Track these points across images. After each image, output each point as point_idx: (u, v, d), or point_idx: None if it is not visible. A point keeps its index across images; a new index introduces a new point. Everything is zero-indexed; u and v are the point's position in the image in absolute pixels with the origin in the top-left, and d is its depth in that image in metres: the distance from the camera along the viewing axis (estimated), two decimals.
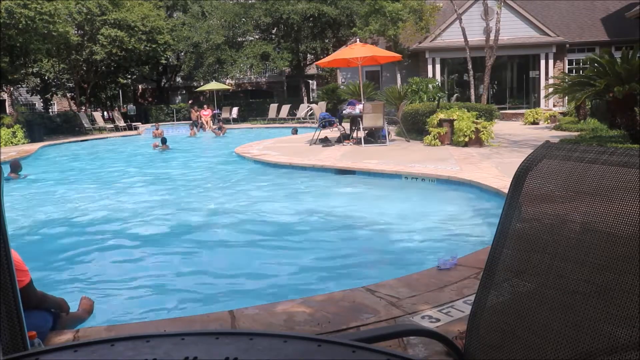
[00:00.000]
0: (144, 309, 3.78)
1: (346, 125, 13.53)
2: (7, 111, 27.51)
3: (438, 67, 23.80)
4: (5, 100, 31.81)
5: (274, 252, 5.12)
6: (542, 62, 23.07)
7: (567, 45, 23.21)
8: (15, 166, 10.01)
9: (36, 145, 16.81)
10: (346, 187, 8.10)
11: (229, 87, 30.98)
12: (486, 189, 6.61)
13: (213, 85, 27.10)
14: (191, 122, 23.68)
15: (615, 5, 23.80)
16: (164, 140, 14.99)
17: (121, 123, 24.48)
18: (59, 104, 35.00)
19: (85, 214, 7.05)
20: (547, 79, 22.03)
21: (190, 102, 24.69)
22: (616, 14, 23.35)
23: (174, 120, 29.10)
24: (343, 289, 3.39)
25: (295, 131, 17.72)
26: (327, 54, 25.85)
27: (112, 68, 27.76)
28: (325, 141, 12.79)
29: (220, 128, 20.55)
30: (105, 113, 29.62)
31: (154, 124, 24.33)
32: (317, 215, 6.45)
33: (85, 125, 22.62)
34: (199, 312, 3.35)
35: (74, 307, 3.34)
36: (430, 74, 23.08)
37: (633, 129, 9.84)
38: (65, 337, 2.83)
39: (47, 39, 18.69)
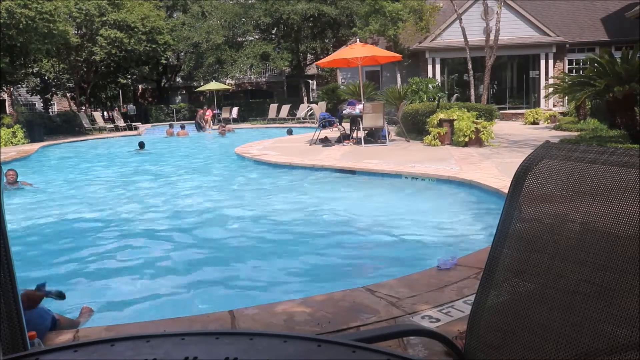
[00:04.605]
0: (144, 309, 3.79)
1: (346, 125, 13.53)
2: (7, 111, 27.51)
3: (438, 67, 23.80)
4: (5, 100, 31.81)
5: (274, 252, 5.12)
6: (542, 62, 23.07)
7: (567, 45, 23.21)
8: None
9: (36, 145, 16.80)
10: (346, 187, 8.10)
11: (229, 87, 30.98)
12: (486, 189, 6.60)
13: (213, 85, 27.11)
14: (195, 121, 23.68)
15: (615, 5, 23.80)
16: (141, 144, 14.78)
17: (121, 123, 24.47)
18: (59, 104, 34.99)
19: (84, 214, 7.05)
20: (547, 79, 22.03)
21: (204, 109, 24.78)
22: (616, 14, 23.35)
23: (174, 120, 29.10)
24: (343, 289, 3.39)
25: (290, 131, 17.61)
26: (327, 54, 25.84)
27: (112, 68, 27.78)
28: (325, 141, 12.79)
29: (221, 127, 20.56)
30: (105, 113, 29.63)
31: (171, 123, 24.37)
32: (317, 215, 6.45)
33: (85, 125, 22.61)
34: (199, 312, 3.35)
35: (74, 314, 3.37)
36: (430, 74, 23.07)
37: (633, 129, 9.84)
38: (65, 337, 2.83)
39: (47, 38, 18.68)
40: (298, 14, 26.39)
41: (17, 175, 8.81)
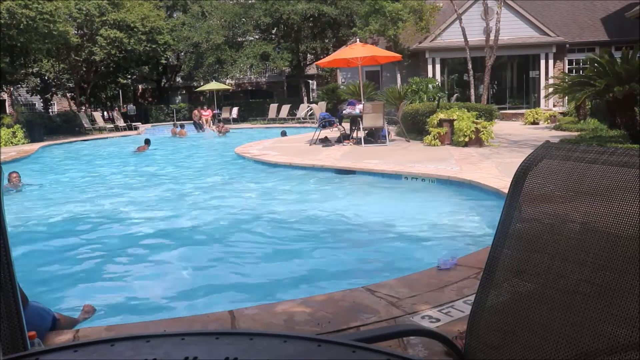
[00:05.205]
0: (144, 309, 3.79)
1: (346, 125, 13.53)
2: (7, 111, 27.50)
3: (438, 67, 23.80)
4: (5, 100, 31.81)
5: (274, 252, 5.12)
6: (542, 62, 23.07)
7: (567, 45, 23.21)
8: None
9: (36, 145, 16.80)
10: (346, 187, 8.10)
11: (229, 87, 30.98)
12: (486, 189, 6.60)
13: (213, 85, 27.11)
14: (192, 121, 23.72)
15: (615, 5, 23.80)
16: (147, 141, 14.85)
17: (121, 123, 24.47)
18: (59, 104, 34.99)
19: (84, 214, 7.05)
20: (547, 79, 22.03)
21: (200, 109, 24.84)
22: (616, 14, 23.34)
23: (174, 120, 29.11)
24: (343, 289, 3.39)
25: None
26: (327, 54, 25.84)
27: (112, 68, 27.78)
28: (325, 141, 12.78)
29: (219, 127, 20.54)
30: (105, 113, 29.63)
31: (175, 122, 24.23)
32: (317, 215, 6.45)
33: (85, 125, 22.62)
34: (199, 312, 3.35)
35: (76, 312, 3.37)
36: (430, 74, 23.07)
37: (633, 129, 9.84)
38: (65, 337, 2.83)
39: (47, 38, 18.69)
40: (298, 14, 26.39)
41: (20, 178, 8.84)
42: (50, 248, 5.49)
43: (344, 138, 12.87)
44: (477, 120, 11.17)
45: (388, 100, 17.28)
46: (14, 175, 8.73)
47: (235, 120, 26.03)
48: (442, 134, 11.36)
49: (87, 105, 28.53)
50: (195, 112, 24.56)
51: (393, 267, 4.35)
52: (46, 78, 29.08)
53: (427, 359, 2.39)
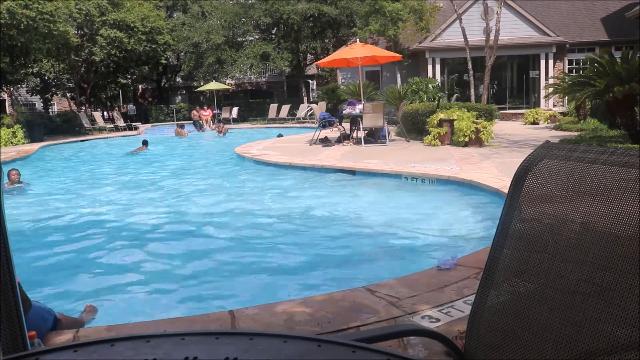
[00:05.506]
0: (144, 309, 3.79)
1: (346, 125, 13.53)
2: (7, 111, 27.49)
3: (438, 67, 23.80)
4: (5, 100, 31.80)
5: (274, 252, 5.12)
6: (542, 62, 23.07)
7: (567, 45, 23.22)
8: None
9: (36, 145, 16.80)
10: (346, 187, 8.10)
11: (229, 87, 30.97)
12: (486, 189, 6.60)
13: (213, 85, 27.11)
14: (192, 121, 23.71)
15: (615, 5, 23.80)
16: (145, 142, 14.87)
17: (121, 123, 24.46)
18: (59, 104, 34.98)
19: (85, 214, 7.05)
20: (547, 79, 22.03)
21: (198, 108, 24.77)
22: (616, 14, 23.35)
23: (174, 120, 29.11)
24: (343, 289, 3.39)
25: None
26: (327, 54, 25.83)
27: (112, 68, 27.77)
28: (325, 141, 12.78)
29: (219, 127, 20.51)
30: (105, 113, 29.61)
31: (179, 122, 24.09)
32: (317, 215, 6.45)
33: (85, 125, 22.61)
34: (199, 312, 3.35)
35: (77, 313, 3.37)
36: (430, 74, 23.08)
37: (633, 129, 9.84)
38: (65, 337, 2.83)
39: (47, 38, 18.69)
40: (298, 14, 26.38)
41: (19, 175, 8.83)
42: (51, 248, 5.49)
43: (344, 138, 12.87)
44: (477, 120, 11.17)
45: (388, 100, 17.27)
46: (14, 172, 8.73)
47: (235, 120, 26.01)
48: (442, 134, 11.36)
49: (87, 105, 28.52)
50: (194, 112, 24.53)
51: (393, 267, 4.36)
52: (46, 78, 29.06)
53: (427, 359, 2.39)
